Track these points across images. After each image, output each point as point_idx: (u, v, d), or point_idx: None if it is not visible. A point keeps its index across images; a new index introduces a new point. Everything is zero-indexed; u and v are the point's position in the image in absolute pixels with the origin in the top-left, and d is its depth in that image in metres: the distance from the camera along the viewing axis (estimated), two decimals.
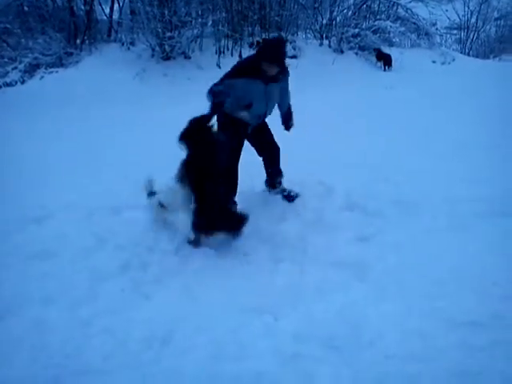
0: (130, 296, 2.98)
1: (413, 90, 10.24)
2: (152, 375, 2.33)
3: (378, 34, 15.39)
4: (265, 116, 4.04)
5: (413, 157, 5.41)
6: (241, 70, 3.74)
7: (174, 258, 3.40)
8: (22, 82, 11.46)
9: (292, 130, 4.22)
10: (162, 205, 3.68)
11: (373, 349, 2.44)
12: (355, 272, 3.12)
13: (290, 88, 4.16)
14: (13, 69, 11.70)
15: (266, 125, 4.15)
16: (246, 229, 3.64)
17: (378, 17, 16.38)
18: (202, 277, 3.16)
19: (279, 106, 4.14)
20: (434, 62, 15.14)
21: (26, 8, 13.34)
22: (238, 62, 4.10)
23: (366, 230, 3.67)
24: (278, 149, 4.23)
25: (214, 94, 3.53)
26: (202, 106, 3.87)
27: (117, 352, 2.50)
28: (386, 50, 14.54)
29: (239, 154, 4.02)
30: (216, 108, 3.58)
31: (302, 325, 2.62)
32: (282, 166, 4.30)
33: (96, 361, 2.45)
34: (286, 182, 4.40)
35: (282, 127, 4.22)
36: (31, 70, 11.85)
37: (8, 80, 11.39)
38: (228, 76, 3.71)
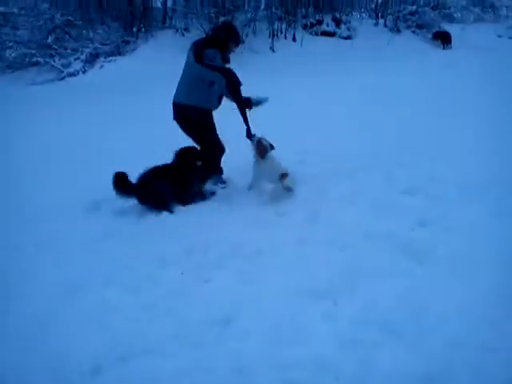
0: (190, 279, 3.06)
1: (474, 69, 9.72)
2: (215, 356, 2.37)
3: (437, 10, 14.68)
4: None
5: (480, 139, 5.19)
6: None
7: (231, 242, 3.44)
8: (84, 72, 11.95)
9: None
10: None
11: (436, 334, 2.37)
12: (417, 256, 3.04)
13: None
14: (75, 59, 12.21)
15: None
16: (304, 212, 3.71)
17: None
18: (259, 259, 3.20)
19: None
20: (499, 36, 14.28)
21: None
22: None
23: (428, 215, 3.57)
24: None
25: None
26: (256, 88, 3.93)
27: (180, 333, 2.57)
28: (445, 27, 13.86)
29: None
30: None
31: (361, 309, 2.59)
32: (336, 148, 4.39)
33: (160, 341, 2.52)
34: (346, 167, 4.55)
35: None
36: (91, 59, 12.31)
37: (71, 70, 11.92)
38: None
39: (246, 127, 4.16)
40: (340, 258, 3.12)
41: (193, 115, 4.23)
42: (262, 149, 4.05)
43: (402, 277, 2.85)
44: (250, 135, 4.12)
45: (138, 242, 3.58)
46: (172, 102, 4.35)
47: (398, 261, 3.03)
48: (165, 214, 3.98)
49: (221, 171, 4.56)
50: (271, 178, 4.09)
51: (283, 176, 3.98)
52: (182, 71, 4.31)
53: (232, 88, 4.07)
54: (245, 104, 4.16)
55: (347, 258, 3.10)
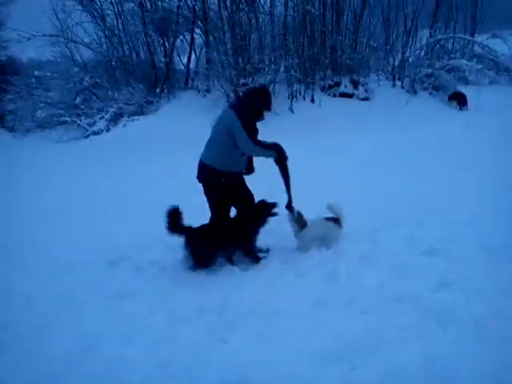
0: (206, 338, 2.98)
1: (490, 129, 9.76)
2: None
3: (452, 73, 15.01)
4: None
5: (499, 200, 5.13)
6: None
7: (248, 302, 3.38)
8: (107, 130, 12.39)
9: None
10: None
11: None
12: (438, 320, 2.92)
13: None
14: (100, 118, 12.71)
15: None
16: (321, 273, 3.66)
17: (452, 55, 16.06)
18: (277, 320, 3.11)
19: None
20: None
21: (113, 63, 14.63)
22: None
23: (449, 276, 3.46)
24: None
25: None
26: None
27: None
28: (461, 89, 14.09)
29: None
30: None
31: (382, 375, 2.47)
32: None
33: None
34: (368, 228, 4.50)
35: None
36: (115, 118, 12.80)
37: (96, 129, 12.39)
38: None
39: (288, 198, 4.23)
40: (359, 320, 3.01)
41: (228, 181, 4.07)
42: (302, 222, 4.21)
43: (424, 341, 2.72)
44: (290, 207, 4.22)
45: (155, 299, 3.54)
46: (202, 162, 4.11)
47: (420, 324, 2.90)
48: (184, 271, 3.94)
49: None
50: (314, 242, 4.21)
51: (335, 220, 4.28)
52: (212, 131, 4.18)
53: (281, 162, 4.13)
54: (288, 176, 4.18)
55: (367, 321, 2.99)
